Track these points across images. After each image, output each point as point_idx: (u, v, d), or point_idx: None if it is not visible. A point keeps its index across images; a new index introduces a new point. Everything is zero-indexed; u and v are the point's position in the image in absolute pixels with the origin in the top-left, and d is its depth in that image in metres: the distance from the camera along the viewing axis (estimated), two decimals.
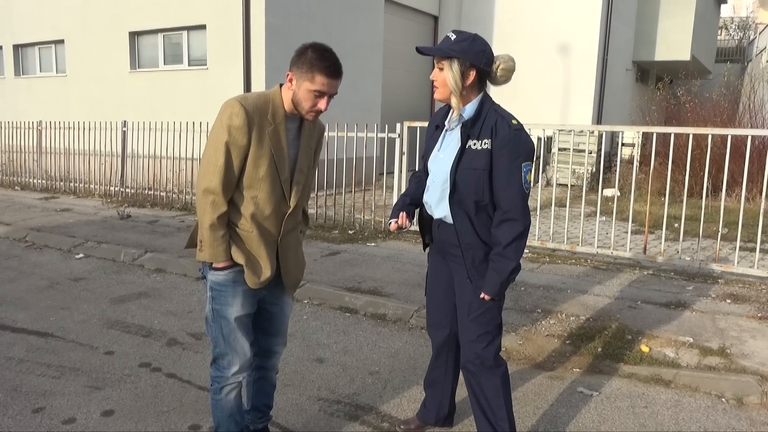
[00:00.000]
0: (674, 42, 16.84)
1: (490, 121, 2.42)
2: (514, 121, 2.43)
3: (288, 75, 2.33)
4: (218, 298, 2.41)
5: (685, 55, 16.79)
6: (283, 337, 2.71)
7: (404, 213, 2.67)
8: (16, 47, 14.59)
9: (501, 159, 2.38)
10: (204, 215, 2.30)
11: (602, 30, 14.54)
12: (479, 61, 2.41)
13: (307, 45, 2.32)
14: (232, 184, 2.32)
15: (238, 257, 2.36)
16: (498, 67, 2.45)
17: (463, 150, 2.45)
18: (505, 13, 15.40)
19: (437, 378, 2.92)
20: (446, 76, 2.43)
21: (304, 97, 2.32)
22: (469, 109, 2.47)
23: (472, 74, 2.42)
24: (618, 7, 15.21)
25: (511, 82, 2.56)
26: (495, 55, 2.46)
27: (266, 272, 2.42)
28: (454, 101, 2.46)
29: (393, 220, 2.68)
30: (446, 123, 2.59)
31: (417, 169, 2.94)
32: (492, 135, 2.39)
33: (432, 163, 2.61)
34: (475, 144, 2.43)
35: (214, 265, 2.36)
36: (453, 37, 2.43)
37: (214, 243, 2.30)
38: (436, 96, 2.52)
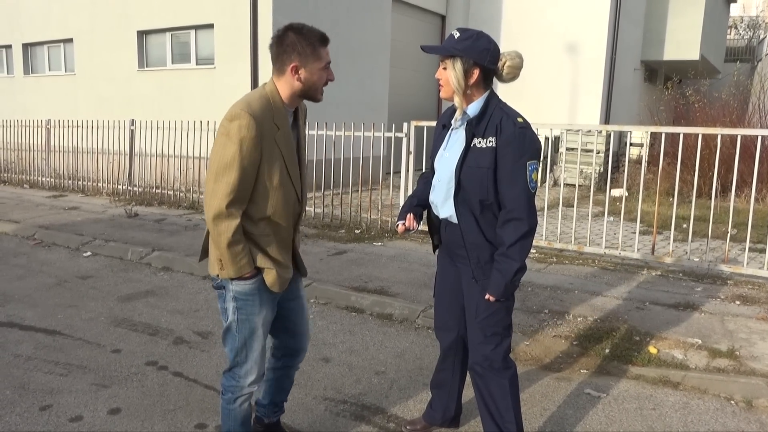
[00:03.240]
0: (683, 41, 16.72)
1: (495, 119, 2.40)
2: (519, 119, 2.40)
3: (292, 66, 2.23)
4: (244, 308, 2.34)
5: (694, 55, 16.67)
6: (307, 333, 2.69)
7: (411, 215, 2.66)
8: (25, 46, 14.67)
9: (505, 157, 2.35)
10: (219, 236, 2.19)
11: (610, 29, 14.46)
12: (483, 59, 2.38)
13: (282, 31, 2.25)
14: (246, 199, 2.22)
15: (263, 262, 2.30)
16: (504, 64, 2.43)
17: (467, 148, 2.43)
18: (513, 12, 15.34)
19: (444, 380, 2.91)
20: (449, 75, 2.41)
21: (318, 78, 2.28)
22: (474, 107, 2.45)
23: (476, 72, 2.39)
24: (626, 6, 15.12)
25: (518, 81, 2.53)
26: (501, 52, 2.44)
27: (288, 274, 2.40)
28: (457, 100, 2.44)
29: (400, 222, 2.67)
30: (452, 122, 2.57)
31: (425, 169, 2.92)
32: (497, 133, 2.37)
33: (438, 162, 2.60)
34: (480, 142, 2.41)
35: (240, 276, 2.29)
36: (457, 35, 2.41)
37: (236, 258, 2.22)
38: (441, 94, 2.50)
